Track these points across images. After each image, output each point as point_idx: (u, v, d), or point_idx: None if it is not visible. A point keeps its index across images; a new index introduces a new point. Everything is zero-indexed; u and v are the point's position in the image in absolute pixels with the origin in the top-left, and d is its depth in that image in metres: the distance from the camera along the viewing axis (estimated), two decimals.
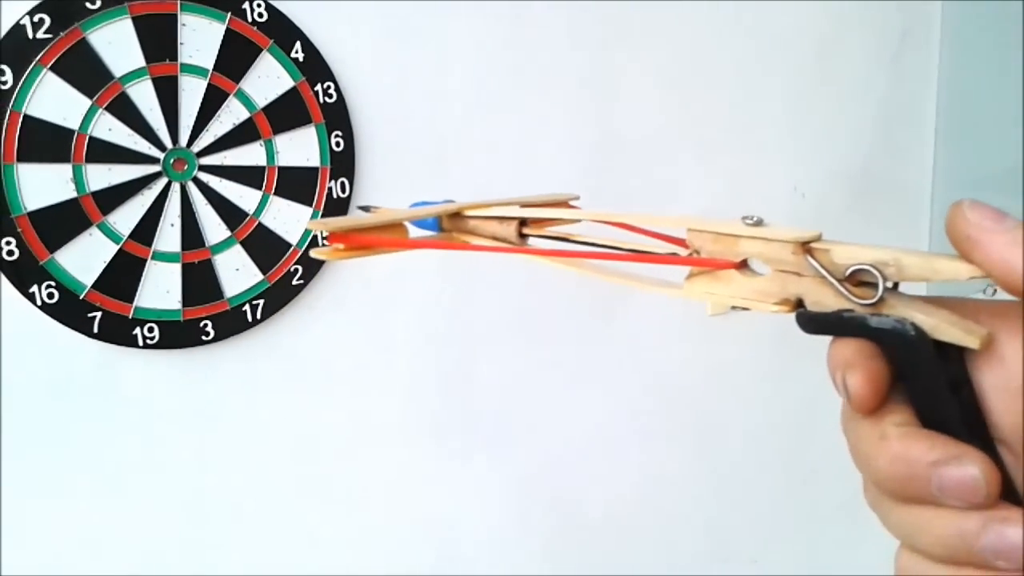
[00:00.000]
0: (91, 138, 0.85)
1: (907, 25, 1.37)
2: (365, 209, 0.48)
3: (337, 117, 0.96)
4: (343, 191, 0.97)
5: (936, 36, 1.39)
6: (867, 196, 1.37)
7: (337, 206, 0.97)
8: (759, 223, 0.36)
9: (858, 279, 0.33)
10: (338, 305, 1.00)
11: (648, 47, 1.15)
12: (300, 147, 0.95)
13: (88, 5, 0.83)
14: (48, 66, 0.83)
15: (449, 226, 0.46)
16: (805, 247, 0.34)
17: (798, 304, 0.35)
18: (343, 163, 0.97)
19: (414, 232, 0.45)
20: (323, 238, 0.43)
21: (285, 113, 0.94)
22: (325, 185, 0.96)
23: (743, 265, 0.37)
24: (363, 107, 0.98)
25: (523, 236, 0.45)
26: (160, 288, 0.90)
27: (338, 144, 0.96)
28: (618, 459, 1.24)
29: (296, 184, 0.95)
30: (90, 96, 0.85)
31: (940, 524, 0.31)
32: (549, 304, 1.14)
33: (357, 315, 1.01)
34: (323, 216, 0.96)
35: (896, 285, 0.33)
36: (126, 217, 0.88)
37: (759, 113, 1.26)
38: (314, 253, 0.42)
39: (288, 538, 1.02)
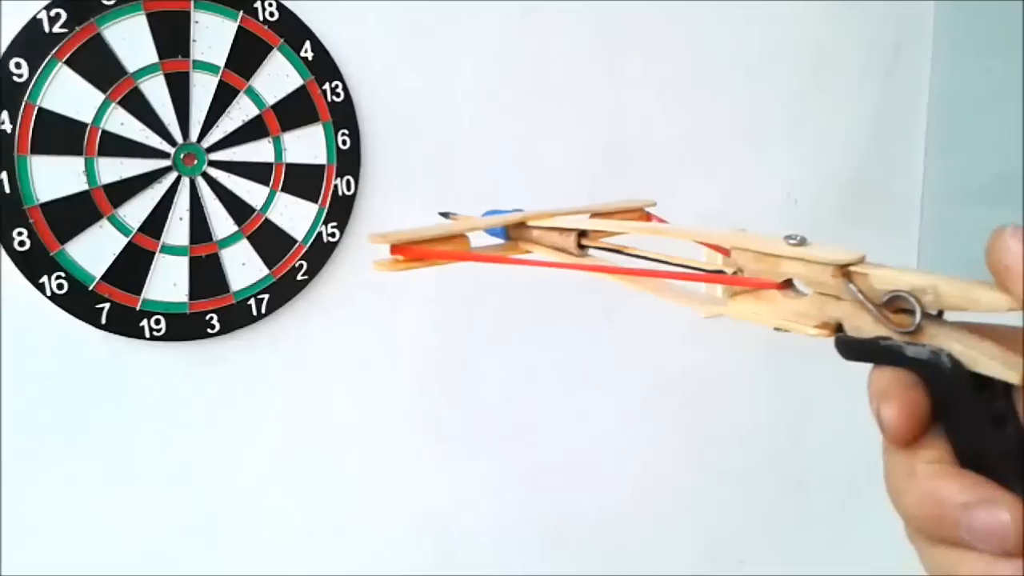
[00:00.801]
0: (103, 132, 0.86)
1: (900, 39, 1.39)
2: (445, 215, 0.49)
3: (344, 116, 0.98)
4: (348, 189, 0.99)
5: (928, 50, 1.42)
6: (859, 203, 1.39)
7: (342, 203, 0.98)
8: (802, 243, 0.35)
9: (897, 306, 0.32)
10: (342, 301, 1.01)
11: (653, 55, 1.17)
12: (307, 144, 0.96)
13: (104, 1, 0.85)
14: (63, 60, 0.84)
15: (515, 235, 0.47)
16: (844, 270, 0.34)
17: (837, 328, 0.34)
18: (349, 161, 0.98)
19: (477, 241, 0.46)
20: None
21: (293, 111, 0.95)
22: (331, 182, 0.98)
23: (787, 286, 0.36)
24: (370, 106, 1.00)
25: (582, 247, 0.45)
26: (168, 281, 0.91)
27: (344, 142, 0.98)
28: (616, 460, 1.26)
29: (303, 181, 0.96)
30: (103, 90, 0.86)
31: (970, 568, 0.30)
32: (552, 304, 1.16)
33: (361, 311, 1.03)
34: (328, 212, 0.97)
35: (940, 313, 0.32)
36: (136, 210, 0.89)
37: (757, 122, 1.28)
38: (376, 266, 0.43)
39: (290, 529, 1.03)
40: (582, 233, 0.45)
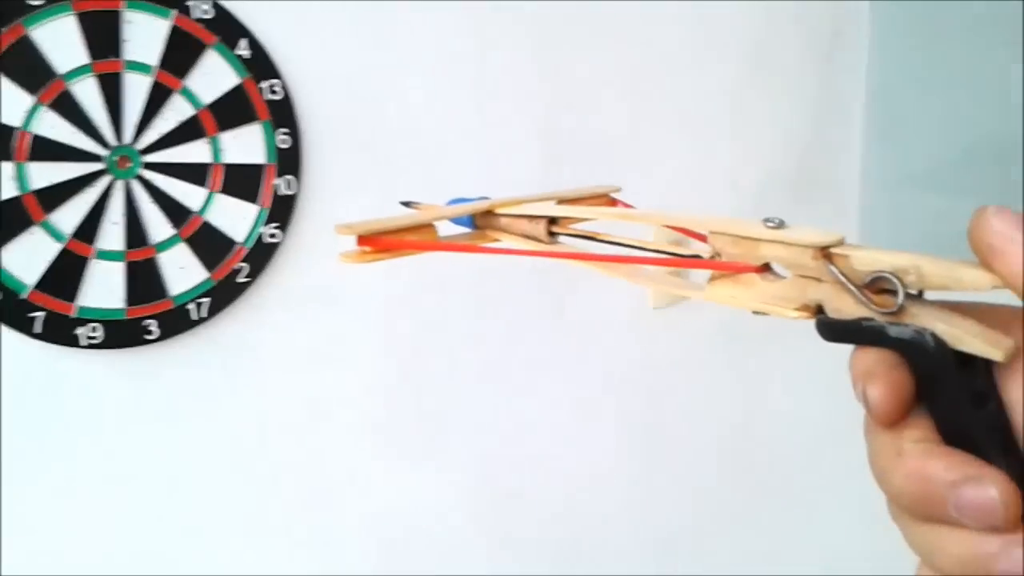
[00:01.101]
0: (34, 136, 0.84)
1: (837, 26, 1.40)
2: (407, 204, 0.48)
3: (283, 114, 0.96)
4: (289, 188, 0.97)
5: (865, 37, 1.43)
6: (801, 192, 1.41)
7: (283, 204, 0.97)
8: (780, 225, 0.35)
9: (879, 286, 0.32)
10: (286, 303, 1.00)
11: (594, 47, 1.17)
12: (246, 144, 0.95)
13: (31, 1, 0.82)
14: None
15: (483, 224, 0.46)
16: (825, 252, 0.34)
17: (818, 310, 0.34)
18: (289, 160, 0.97)
19: (443, 231, 0.45)
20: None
21: (230, 110, 0.93)
22: (271, 182, 0.96)
23: (765, 269, 0.36)
24: (310, 105, 0.98)
25: (552, 234, 0.45)
26: (103, 287, 0.89)
27: (284, 141, 0.96)
28: (568, 454, 1.26)
29: (242, 181, 0.95)
30: (33, 93, 0.84)
31: (958, 545, 0.30)
32: (500, 300, 1.15)
33: (304, 313, 1.02)
34: (269, 213, 0.96)
35: (921, 293, 0.32)
36: (69, 215, 0.87)
37: (698, 112, 1.29)
38: (342, 257, 0.42)
39: (237, 535, 1.02)
40: (552, 220, 0.44)
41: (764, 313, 0.36)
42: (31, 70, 0.83)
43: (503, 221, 0.46)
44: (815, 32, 1.39)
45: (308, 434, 1.05)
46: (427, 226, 0.43)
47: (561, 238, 0.45)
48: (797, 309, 0.35)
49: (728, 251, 0.37)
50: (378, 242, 0.41)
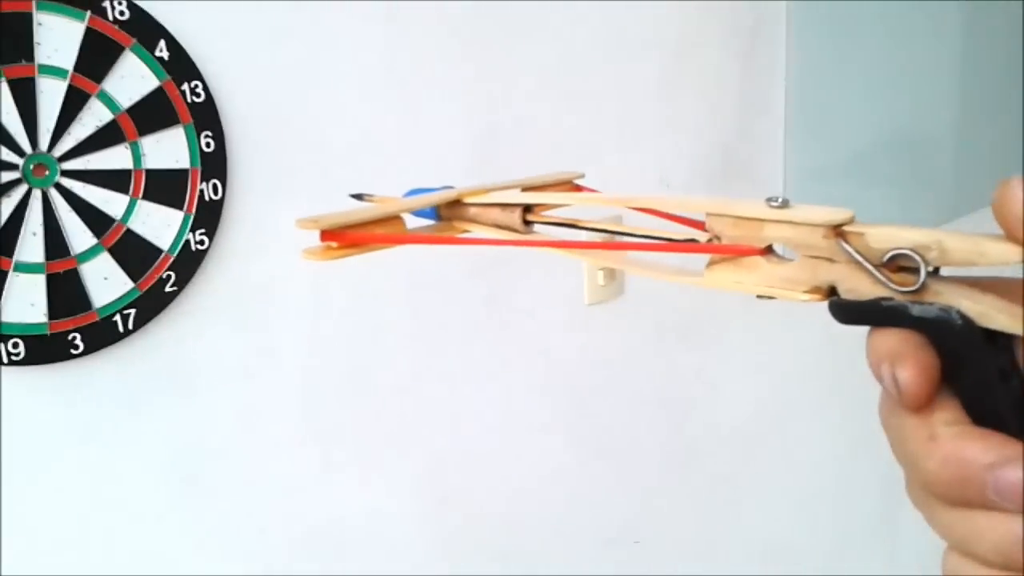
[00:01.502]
0: None
1: (756, 22, 1.43)
2: (358, 197, 0.45)
3: (206, 117, 0.93)
4: (216, 193, 0.95)
5: (783, 32, 1.46)
6: (727, 183, 1.43)
7: (210, 209, 0.94)
8: (785, 204, 0.34)
9: (897, 264, 0.31)
10: (216, 311, 0.97)
11: (520, 45, 1.17)
12: (168, 149, 0.92)
13: None
14: None
15: (448, 214, 0.44)
16: (837, 230, 0.32)
17: (831, 292, 0.33)
18: (214, 164, 0.94)
19: (411, 223, 0.42)
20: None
21: (151, 114, 0.90)
22: (196, 187, 0.93)
23: (768, 251, 0.35)
24: (234, 106, 0.96)
25: (528, 223, 0.42)
26: (24, 301, 0.85)
27: (208, 144, 0.94)
28: (510, 452, 1.25)
29: (165, 187, 0.92)
30: None
31: (996, 529, 0.29)
32: (434, 299, 1.14)
33: (237, 320, 0.99)
34: (195, 219, 0.93)
35: (938, 269, 0.31)
36: None
37: (626, 108, 1.30)
38: (305, 254, 0.39)
39: (173, 551, 0.99)
40: (526, 208, 0.42)
41: (771, 297, 0.34)
42: None
43: (472, 211, 0.43)
44: (736, 29, 1.41)
45: (244, 444, 1.02)
46: (395, 218, 0.41)
47: (536, 226, 0.43)
48: (807, 292, 0.33)
49: (728, 233, 0.35)
50: (344, 236, 0.38)
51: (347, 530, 1.11)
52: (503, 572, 1.27)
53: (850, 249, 0.32)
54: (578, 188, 0.47)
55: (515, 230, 0.42)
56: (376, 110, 1.06)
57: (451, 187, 0.45)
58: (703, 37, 1.38)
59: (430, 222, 0.44)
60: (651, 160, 1.35)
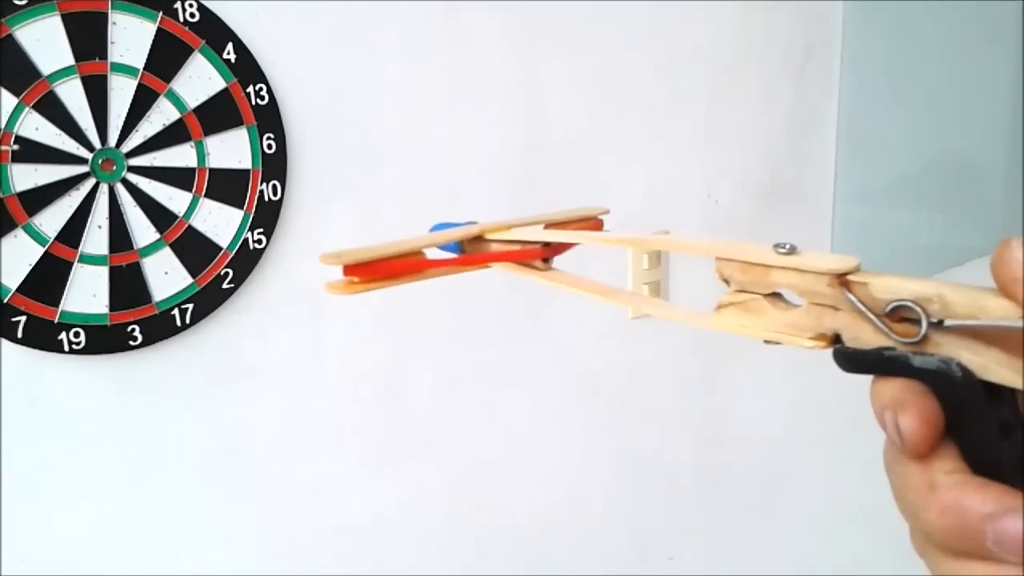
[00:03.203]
0: (17, 137, 0.82)
1: (811, 38, 1.43)
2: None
3: (269, 119, 0.95)
4: (275, 194, 0.96)
5: (837, 50, 1.46)
6: (775, 202, 1.43)
7: (268, 209, 0.96)
8: (792, 251, 0.34)
9: (900, 315, 0.31)
10: (269, 310, 0.99)
11: (572, 56, 1.18)
12: (231, 149, 0.94)
13: (16, 1, 0.81)
14: None
15: (471, 249, 0.45)
16: (842, 279, 0.32)
17: (835, 340, 0.33)
18: (275, 165, 0.96)
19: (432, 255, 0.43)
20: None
21: (216, 114, 0.92)
22: (256, 187, 0.95)
23: (775, 296, 0.35)
24: (295, 109, 0.98)
25: (547, 260, 0.43)
26: (87, 292, 0.88)
27: (270, 146, 0.96)
28: (545, 460, 1.26)
29: (227, 186, 0.94)
30: (16, 94, 0.82)
31: None
32: (478, 306, 1.15)
33: (288, 320, 1.01)
34: (254, 218, 0.95)
35: (941, 321, 0.31)
36: (52, 219, 0.85)
37: (675, 122, 1.30)
38: (328, 289, 0.39)
39: (216, 544, 1.00)
40: (546, 245, 0.43)
41: (776, 343, 0.35)
42: (15, 70, 0.82)
43: (494, 247, 0.44)
44: (789, 44, 1.41)
45: (287, 442, 1.04)
46: (416, 253, 0.42)
47: (555, 261, 0.44)
48: (812, 338, 0.34)
49: (737, 278, 0.36)
50: (366, 270, 0.39)
51: (383, 528, 1.13)
52: None
53: (853, 299, 0.32)
54: (600, 225, 0.48)
55: (535, 268, 0.44)
56: (428, 119, 1.08)
57: (474, 222, 0.46)
58: (756, 51, 1.38)
59: (456, 256, 0.45)
60: (698, 174, 1.35)
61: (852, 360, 0.33)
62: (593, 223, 0.48)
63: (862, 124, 1.49)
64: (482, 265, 0.45)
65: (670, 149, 1.31)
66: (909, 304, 0.31)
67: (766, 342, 0.35)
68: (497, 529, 1.24)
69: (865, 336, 0.32)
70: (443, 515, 1.18)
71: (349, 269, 0.39)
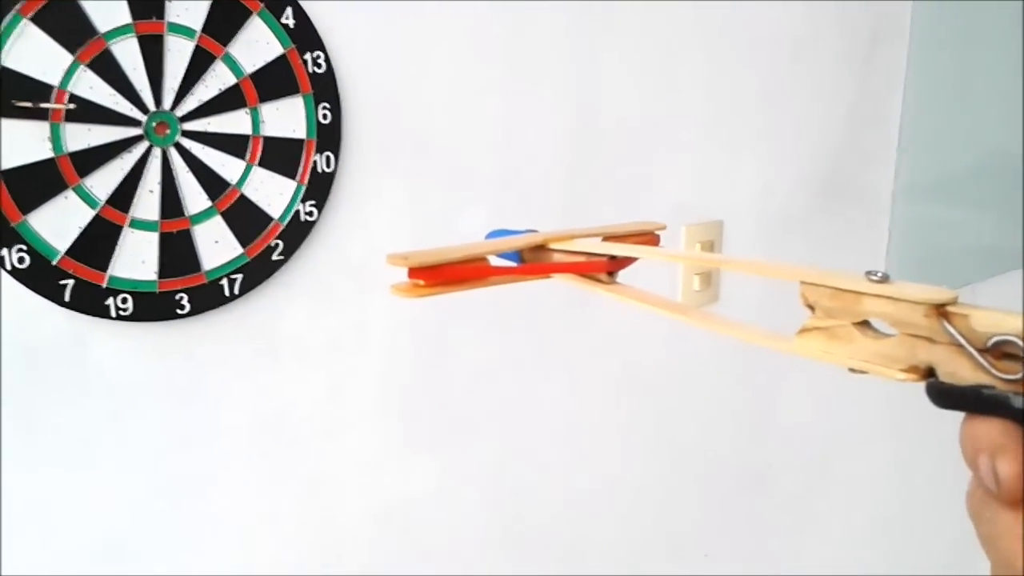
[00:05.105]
0: (72, 96, 0.80)
1: (877, 31, 1.39)
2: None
3: (325, 88, 0.93)
4: (328, 165, 0.94)
5: (904, 43, 1.42)
6: (833, 196, 1.39)
7: (322, 180, 0.94)
8: (884, 279, 0.32)
9: (1001, 351, 0.29)
10: (316, 284, 0.97)
11: (630, 41, 1.15)
12: (286, 117, 0.91)
13: None
14: (29, 16, 0.78)
15: (531, 259, 0.44)
16: (940, 310, 0.31)
17: (928, 373, 0.32)
18: (329, 136, 0.94)
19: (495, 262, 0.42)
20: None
21: (273, 81, 0.90)
22: (310, 158, 0.93)
23: (864, 324, 0.33)
24: (352, 80, 0.95)
25: (611, 273, 0.43)
26: (136, 257, 0.86)
27: (325, 116, 0.93)
28: (582, 452, 1.24)
29: (281, 156, 0.91)
30: (72, 51, 0.80)
31: None
32: (523, 294, 1.12)
33: (335, 296, 0.98)
34: (307, 190, 0.93)
35: None
36: (104, 181, 0.83)
37: (733, 112, 1.27)
38: (393, 290, 0.39)
39: (253, 516, 0.99)
40: (612, 258, 0.43)
41: (863, 372, 0.33)
42: (71, 27, 0.80)
43: (556, 257, 0.43)
44: (854, 36, 1.37)
45: (328, 418, 1.02)
46: (480, 259, 0.42)
47: (619, 275, 0.44)
48: (904, 370, 0.32)
49: (824, 304, 0.34)
50: (432, 274, 0.39)
51: (412, 511, 1.11)
52: (566, 571, 1.26)
53: (954, 331, 0.30)
54: (656, 240, 0.48)
55: (599, 281, 0.43)
56: (483, 100, 1.05)
57: (535, 231, 0.45)
58: (819, 40, 1.34)
59: (514, 264, 0.44)
60: (755, 166, 1.31)
61: (947, 396, 0.31)
62: (649, 238, 0.47)
63: (925, 121, 1.44)
64: (545, 275, 0.45)
65: (728, 138, 1.28)
66: (1013, 339, 0.29)
67: (851, 370, 0.34)
68: (530, 517, 1.21)
69: (963, 371, 0.30)
70: (477, 501, 1.16)
71: (415, 271, 0.39)
